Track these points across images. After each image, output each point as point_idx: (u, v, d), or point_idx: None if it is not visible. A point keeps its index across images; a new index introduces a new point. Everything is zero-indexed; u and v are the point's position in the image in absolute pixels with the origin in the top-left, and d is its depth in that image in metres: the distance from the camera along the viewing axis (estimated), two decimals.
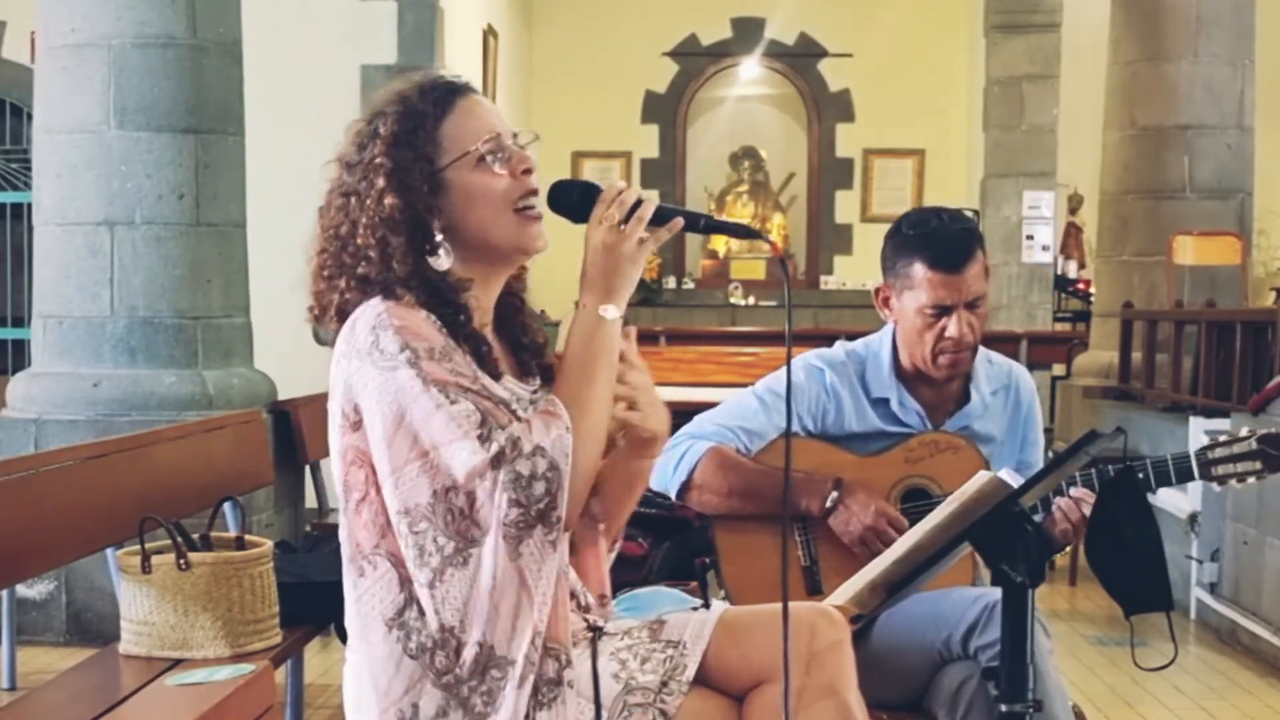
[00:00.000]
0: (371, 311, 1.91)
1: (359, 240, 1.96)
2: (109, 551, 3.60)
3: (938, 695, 2.57)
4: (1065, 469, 2.29)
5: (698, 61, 13.38)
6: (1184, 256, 7.80)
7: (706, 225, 2.02)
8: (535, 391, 2.04)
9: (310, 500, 5.67)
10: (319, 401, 5.44)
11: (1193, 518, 5.80)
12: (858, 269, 12.71)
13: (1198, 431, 5.82)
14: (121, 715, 2.87)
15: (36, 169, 5.30)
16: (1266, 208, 10.03)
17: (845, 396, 2.84)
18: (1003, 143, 11.25)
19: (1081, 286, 11.59)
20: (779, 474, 2.54)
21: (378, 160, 1.96)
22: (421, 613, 1.90)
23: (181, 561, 3.26)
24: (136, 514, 3.38)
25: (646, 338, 8.66)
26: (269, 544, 3.50)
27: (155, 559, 3.28)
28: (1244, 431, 2.70)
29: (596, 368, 1.94)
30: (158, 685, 3.04)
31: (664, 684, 1.97)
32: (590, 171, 12.84)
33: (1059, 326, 11.43)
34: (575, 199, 1.98)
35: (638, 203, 1.94)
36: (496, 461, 1.84)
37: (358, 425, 1.92)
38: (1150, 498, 2.43)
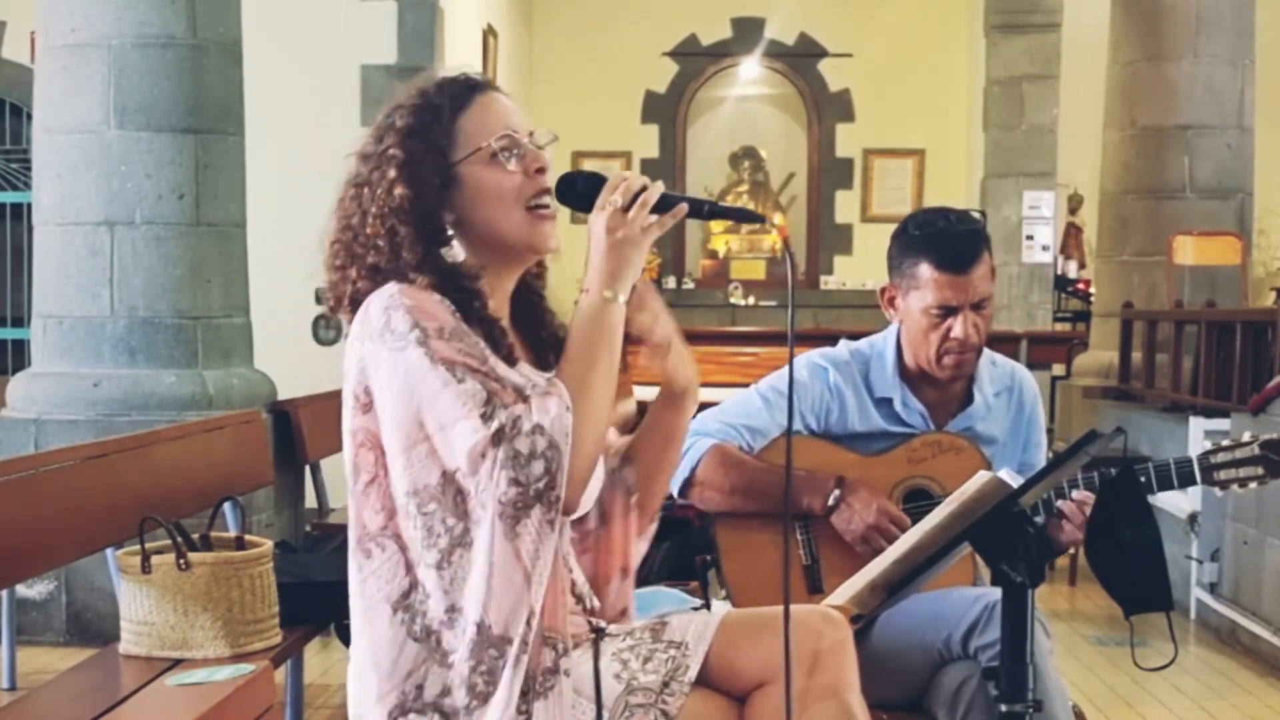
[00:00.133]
0: (385, 293, 1.92)
1: (369, 230, 1.97)
2: (109, 551, 3.60)
3: (938, 695, 2.57)
4: (1065, 469, 2.28)
5: (698, 61, 13.36)
6: (1184, 256, 7.79)
7: (710, 211, 2.03)
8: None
9: (310, 500, 5.67)
10: (319, 401, 5.51)
11: (1193, 518, 5.79)
12: (858, 269, 12.70)
13: (1198, 432, 5.82)
14: (121, 715, 2.87)
15: (36, 169, 5.30)
16: (1266, 208, 10.03)
17: (849, 395, 2.84)
18: (1003, 143, 11.24)
19: (1081, 286, 11.58)
20: (781, 472, 2.54)
21: (390, 151, 1.98)
22: (427, 595, 1.90)
23: (181, 561, 3.26)
24: (136, 514, 3.38)
25: None
26: (269, 544, 3.50)
27: (155, 559, 3.28)
28: (1246, 436, 2.70)
29: (599, 350, 1.93)
30: (158, 685, 3.04)
31: (666, 684, 1.97)
32: None
33: (1059, 326, 11.42)
34: (581, 188, 1.98)
35: (642, 189, 1.95)
36: (496, 439, 1.84)
37: (368, 407, 1.93)
38: (1150, 498, 2.43)
